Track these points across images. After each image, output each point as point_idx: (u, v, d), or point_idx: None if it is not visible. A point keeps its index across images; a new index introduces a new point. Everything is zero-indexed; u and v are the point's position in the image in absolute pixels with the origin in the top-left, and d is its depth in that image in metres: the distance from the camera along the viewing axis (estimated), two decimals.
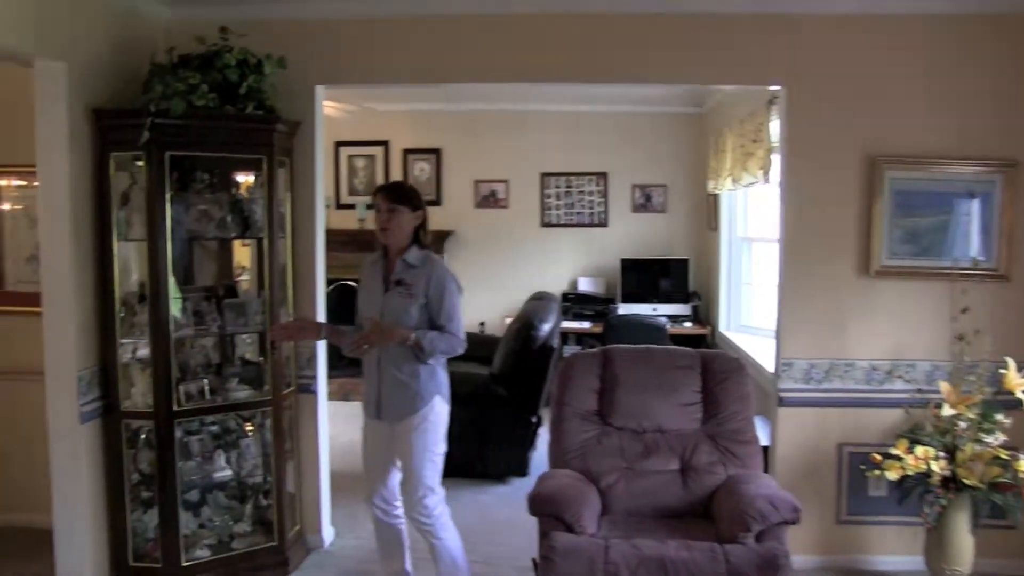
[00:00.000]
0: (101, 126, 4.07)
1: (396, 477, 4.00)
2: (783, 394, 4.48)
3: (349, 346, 3.84)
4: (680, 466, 4.04)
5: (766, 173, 5.43)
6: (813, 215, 4.45)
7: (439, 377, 3.89)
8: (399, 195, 3.86)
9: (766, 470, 4.22)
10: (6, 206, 5.03)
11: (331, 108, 6.96)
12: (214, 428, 4.52)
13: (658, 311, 7.99)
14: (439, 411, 3.87)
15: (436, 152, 8.85)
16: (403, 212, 3.81)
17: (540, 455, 6.02)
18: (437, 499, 3.87)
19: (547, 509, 3.66)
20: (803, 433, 4.48)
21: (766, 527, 3.48)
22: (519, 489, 5.83)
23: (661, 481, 4.00)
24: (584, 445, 4.12)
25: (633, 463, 4.04)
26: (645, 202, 8.67)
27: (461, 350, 3.85)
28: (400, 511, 4.03)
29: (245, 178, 4.60)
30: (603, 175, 8.70)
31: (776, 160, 5.11)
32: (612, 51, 4.48)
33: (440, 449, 3.89)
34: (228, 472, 4.46)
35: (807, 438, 4.48)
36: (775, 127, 5.16)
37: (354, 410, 7.99)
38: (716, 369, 4.21)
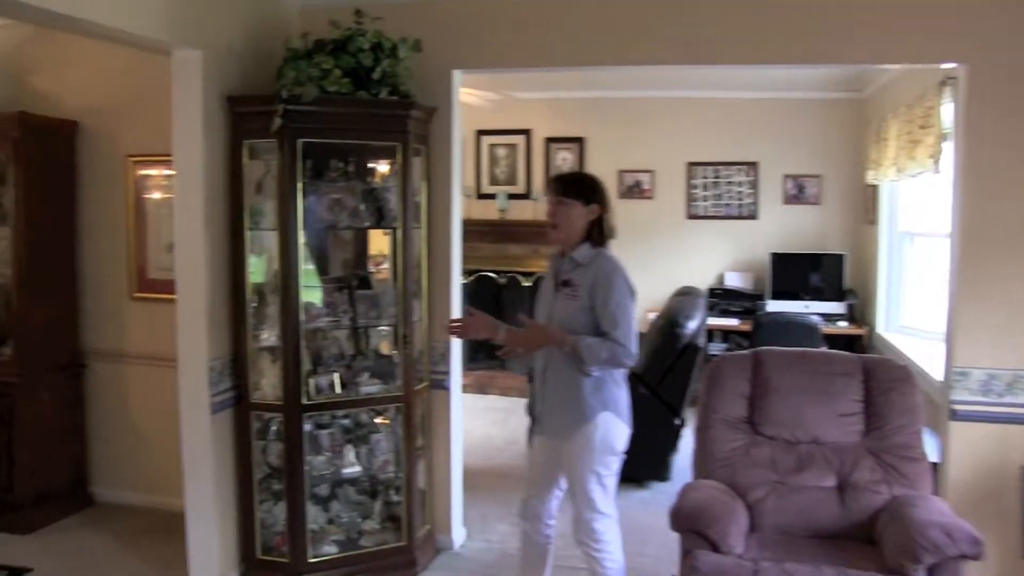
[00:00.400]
0: (235, 113, 4.03)
1: (555, 496, 3.73)
2: (956, 407, 4.03)
3: (503, 347, 3.57)
4: (837, 482, 3.67)
5: (936, 162, 4.94)
6: (993, 208, 3.96)
7: (608, 392, 3.48)
8: (569, 187, 3.52)
9: (935, 492, 3.80)
10: (156, 195, 5.09)
11: (472, 96, 6.82)
12: (345, 422, 4.43)
13: (810, 309, 7.49)
14: (607, 430, 3.46)
15: (579, 141, 8.60)
16: (573, 206, 3.48)
17: (682, 459, 5.73)
18: (608, 523, 3.54)
19: (691, 525, 3.37)
20: (980, 452, 4.01)
21: (940, 560, 3.09)
22: (659, 494, 5.57)
23: (816, 498, 3.65)
24: (732, 455, 3.81)
25: (785, 477, 3.71)
26: (798, 193, 8.17)
27: (629, 362, 3.41)
28: (550, 530, 3.76)
29: (379, 166, 4.49)
30: (753, 165, 8.26)
31: (948, 148, 4.63)
32: (772, 29, 4.11)
33: (610, 470, 3.51)
34: (357, 468, 4.35)
35: (985, 458, 4.00)
36: (948, 111, 4.67)
37: (490, 403, 8.01)
38: (880, 377, 3.81)
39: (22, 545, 4.75)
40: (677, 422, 5.81)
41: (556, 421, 3.56)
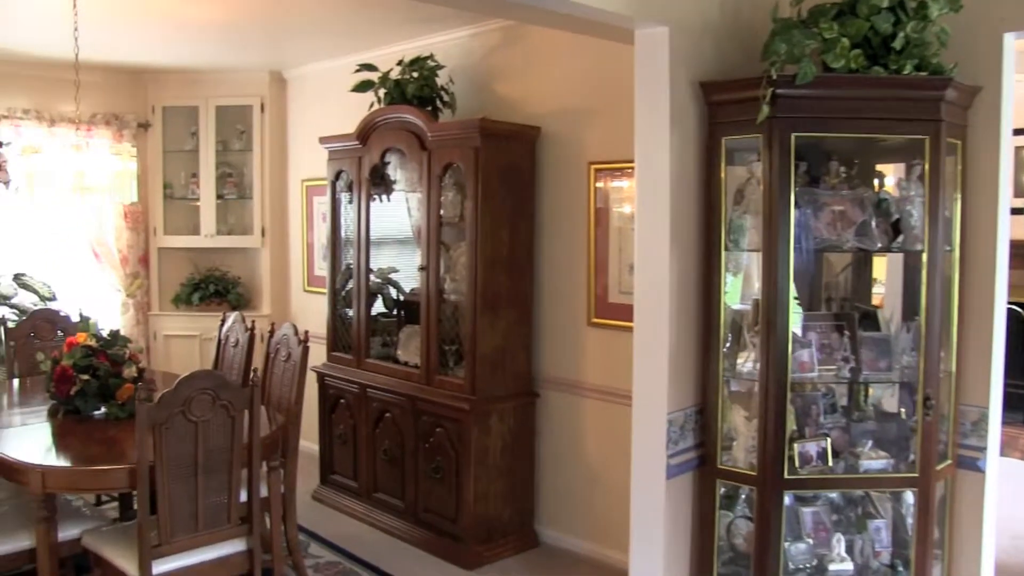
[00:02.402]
0: (709, 103, 3.24)
1: None
2: None
3: None
4: None
5: None
6: None
7: None
8: None
9: None
10: (620, 208, 4.49)
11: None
12: (833, 496, 3.43)
13: None
14: None
15: None
16: None
17: None
18: None
19: None
20: None
21: None
22: None
23: None
24: None
25: None
26: None
27: None
28: None
29: (895, 169, 3.42)
30: None
31: None
32: None
33: None
34: (848, 565, 3.30)
35: None
36: None
37: (1011, 469, 6.35)
38: None
39: None
40: None
41: None
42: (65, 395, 4.11)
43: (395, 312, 5.53)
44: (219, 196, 6.68)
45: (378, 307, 5.53)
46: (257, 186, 6.67)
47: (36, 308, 5.72)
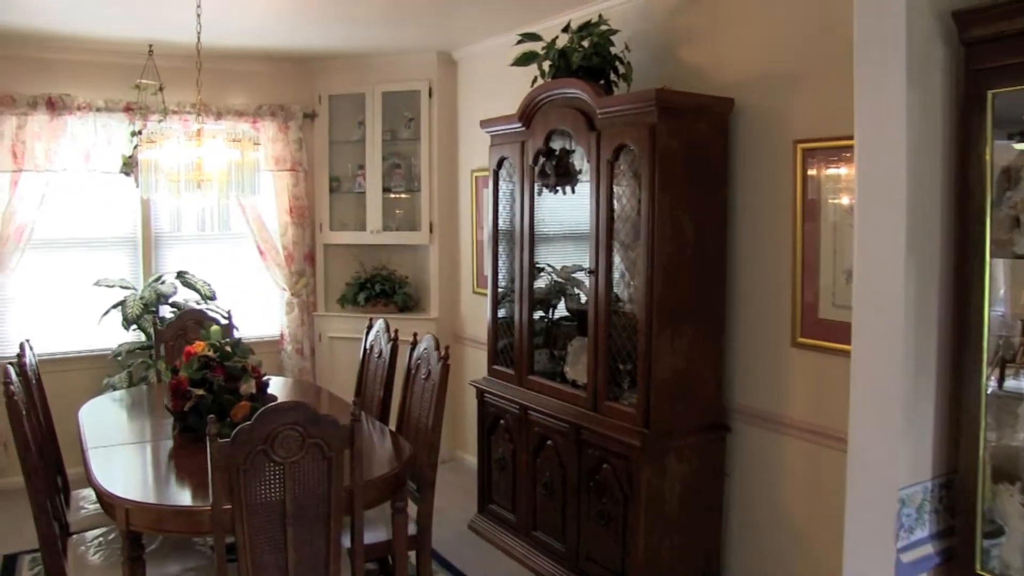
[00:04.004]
0: (968, 42, 2.27)
1: None
2: None
3: None
4: None
5: None
6: None
7: None
8: None
9: None
10: (836, 199, 3.54)
11: None
12: None
13: None
14: None
15: None
16: None
17: None
18: None
19: None
20: None
21: None
22: None
23: None
24: None
25: None
26: None
27: None
28: None
29: None
30: None
31: None
32: None
33: None
34: None
35: None
36: None
37: None
38: None
39: None
40: None
41: None
42: (179, 410, 3.67)
43: (575, 319, 4.76)
44: (386, 189, 6.19)
45: (560, 311, 4.78)
46: (425, 177, 6.12)
47: (186, 308, 5.40)
